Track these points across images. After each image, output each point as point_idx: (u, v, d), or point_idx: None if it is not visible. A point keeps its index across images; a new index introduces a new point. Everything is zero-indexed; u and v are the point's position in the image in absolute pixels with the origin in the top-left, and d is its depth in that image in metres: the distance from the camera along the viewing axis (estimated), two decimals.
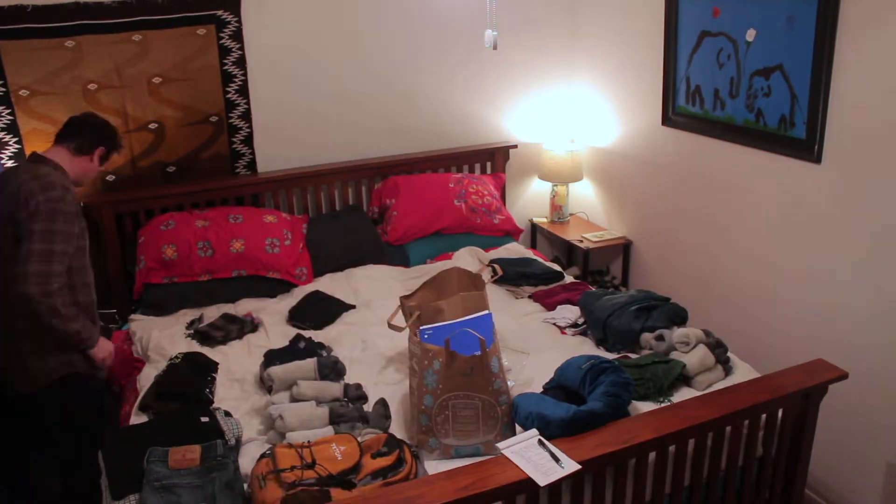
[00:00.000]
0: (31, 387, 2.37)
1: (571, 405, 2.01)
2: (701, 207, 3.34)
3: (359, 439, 2.09)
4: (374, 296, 3.15)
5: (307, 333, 2.82)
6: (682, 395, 2.31)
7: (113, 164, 3.26)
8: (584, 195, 4.19)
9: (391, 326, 2.50)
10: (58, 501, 2.60)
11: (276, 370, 2.39)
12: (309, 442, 2.04)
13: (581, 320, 2.84)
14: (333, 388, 2.32)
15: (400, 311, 2.56)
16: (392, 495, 1.76)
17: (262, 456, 2.03)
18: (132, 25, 3.15)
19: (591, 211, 4.17)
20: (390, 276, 3.36)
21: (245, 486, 1.99)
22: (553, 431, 1.95)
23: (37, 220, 2.23)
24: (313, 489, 1.87)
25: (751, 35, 2.88)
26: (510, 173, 4.09)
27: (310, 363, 2.41)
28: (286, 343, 2.72)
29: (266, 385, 2.43)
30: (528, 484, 1.79)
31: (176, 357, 2.61)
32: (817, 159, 2.69)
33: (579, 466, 1.82)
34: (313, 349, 2.64)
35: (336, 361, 2.46)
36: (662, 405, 2.22)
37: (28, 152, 3.12)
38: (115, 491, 2.00)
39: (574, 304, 2.96)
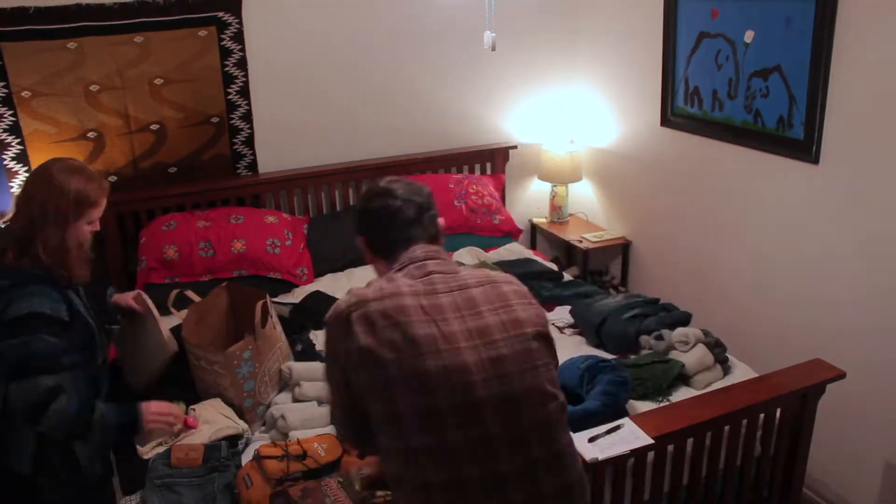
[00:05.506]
0: None
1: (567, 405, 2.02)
2: (699, 208, 3.35)
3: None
4: None
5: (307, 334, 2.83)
6: (681, 394, 2.32)
7: (115, 164, 3.28)
8: (584, 195, 4.20)
9: None
10: None
11: (297, 366, 2.39)
12: (297, 440, 2.06)
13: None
14: None
15: None
16: None
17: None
18: (134, 27, 3.16)
19: (591, 211, 4.18)
20: None
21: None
22: None
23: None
24: (301, 485, 1.87)
25: (749, 36, 2.89)
26: (510, 174, 4.10)
27: None
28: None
29: (283, 376, 2.43)
30: None
31: None
32: (815, 160, 2.70)
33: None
34: (310, 351, 2.64)
35: None
36: (661, 405, 2.24)
37: (31, 153, 3.13)
38: (126, 487, 2.03)
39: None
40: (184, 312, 2.47)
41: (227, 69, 3.38)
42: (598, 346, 2.70)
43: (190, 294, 2.54)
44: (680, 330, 2.53)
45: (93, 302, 2.11)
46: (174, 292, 2.48)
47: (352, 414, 1.47)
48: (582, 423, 1.96)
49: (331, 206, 3.75)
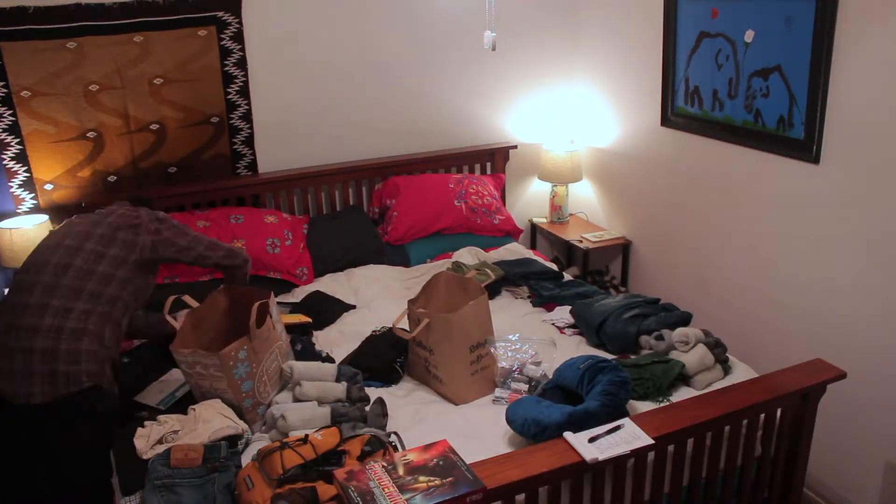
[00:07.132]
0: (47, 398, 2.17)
1: (566, 406, 2.02)
2: (700, 208, 3.35)
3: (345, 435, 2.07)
4: (374, 296, 3.16)
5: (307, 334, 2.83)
6: (681, 394, 2.32)
7: (114, 164, 3.28)
8: (584, 195, 4.20)
9: (397, 331, 2.51)
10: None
11: (298, 366, 2.39)
12: (305, 435, 2.04)
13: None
14: (336, 389, 2.32)
15: (406, 316, 2.56)
16: None
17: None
18: (133, 27, 3.16)
19: (591, 211, 4.18)
20: (390, 276, 3.37)
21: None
22: (551, 435, 1.95)
23: (175, 232, 2.50)
24: (300, 487, 1.86)
25: (749, 36, 2.89)
26: (510, 174, 4.10)
27: (331, 367, 2.42)
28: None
29: (284, 375, 2.42)
30: (526, 484, 1.80)
31: None
32: (816, 160, 2.70)
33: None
34: (309, 350, 2.64)
35: (356, 373, 2.45)
36: (661, 405, 2.23)
37: (30, 153, 3.14)
38: (126, 488, 2.03)
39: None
40: (182, 316, 2.46)
41: (226, 69, 3.38)
42: (598, 346, 2.70)
43: (187, 299, 2.53)
44: (680, 330, 2.52)
45: None
46: (171, 298, 2.47)
47: None
48: (582, 423, 1.95)
49: (331, 206, 3.75)
